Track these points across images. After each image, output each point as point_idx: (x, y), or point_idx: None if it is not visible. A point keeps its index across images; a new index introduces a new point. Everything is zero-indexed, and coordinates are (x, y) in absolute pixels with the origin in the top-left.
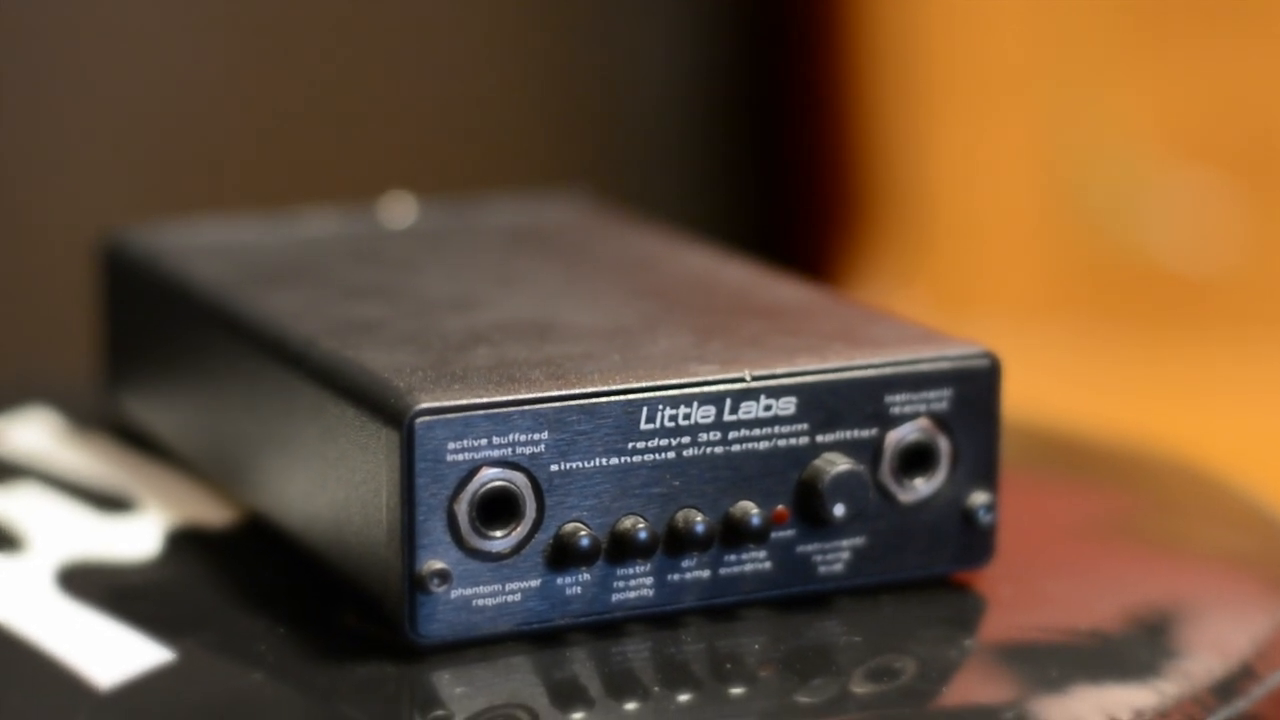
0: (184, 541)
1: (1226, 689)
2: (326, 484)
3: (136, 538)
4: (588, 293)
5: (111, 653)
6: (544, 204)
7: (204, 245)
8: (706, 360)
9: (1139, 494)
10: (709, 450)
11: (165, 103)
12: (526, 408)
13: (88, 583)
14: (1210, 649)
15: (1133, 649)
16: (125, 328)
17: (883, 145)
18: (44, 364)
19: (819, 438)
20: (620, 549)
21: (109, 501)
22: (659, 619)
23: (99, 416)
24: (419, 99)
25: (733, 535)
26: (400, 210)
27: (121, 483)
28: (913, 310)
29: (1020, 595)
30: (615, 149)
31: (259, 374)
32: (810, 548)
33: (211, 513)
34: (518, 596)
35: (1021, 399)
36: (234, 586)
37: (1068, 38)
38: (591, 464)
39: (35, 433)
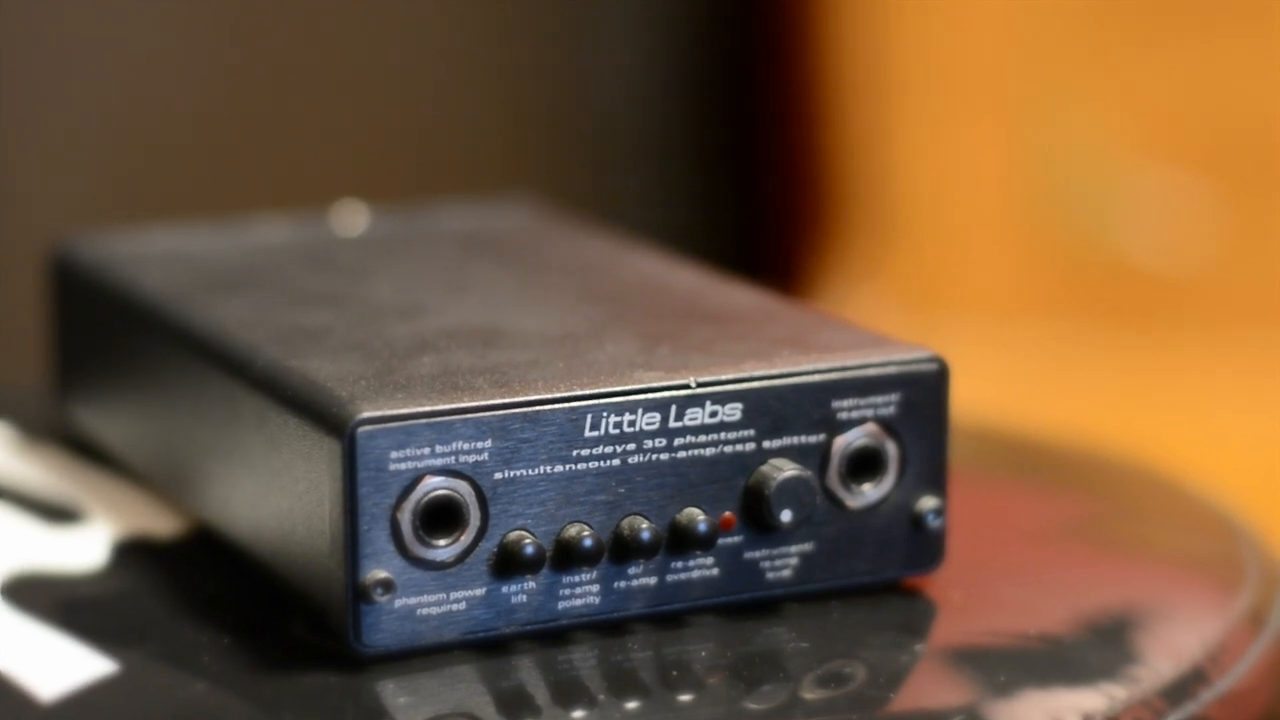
0: (131, 552)
1: (1177, 692)
2: (271, 494)
3: (83, 549)
4: (536, 299)
5: (54, 665)
6: (496, 210)
7: (154, 254)
8: (652, 367)
9: (1094, 497)
10: (654, 457)
11: (115, 111)
12: (469, 416)
13: (33, 594)
14: (1161, 653)
15: (1083, 653)
16: (75, 337)
17: (853, 146)
18: None
19: (765, 444)
20: (565, 557)
21: (56, 512)
22: (606, 626)
23: (48, 426)
24: (372, 106)
25: (679, 542)
26: (352, 218)
27: (69, 493)
28: (883, 312)
29: (971, 600)
30: (581, 153)
31: (205, 383)
32: (758, 554)
33: (159, 523)
34: (462, 605)
35: (990, 400)
36: (180, 597)
37: (1039, 37)
38: (536, 472)
39: None
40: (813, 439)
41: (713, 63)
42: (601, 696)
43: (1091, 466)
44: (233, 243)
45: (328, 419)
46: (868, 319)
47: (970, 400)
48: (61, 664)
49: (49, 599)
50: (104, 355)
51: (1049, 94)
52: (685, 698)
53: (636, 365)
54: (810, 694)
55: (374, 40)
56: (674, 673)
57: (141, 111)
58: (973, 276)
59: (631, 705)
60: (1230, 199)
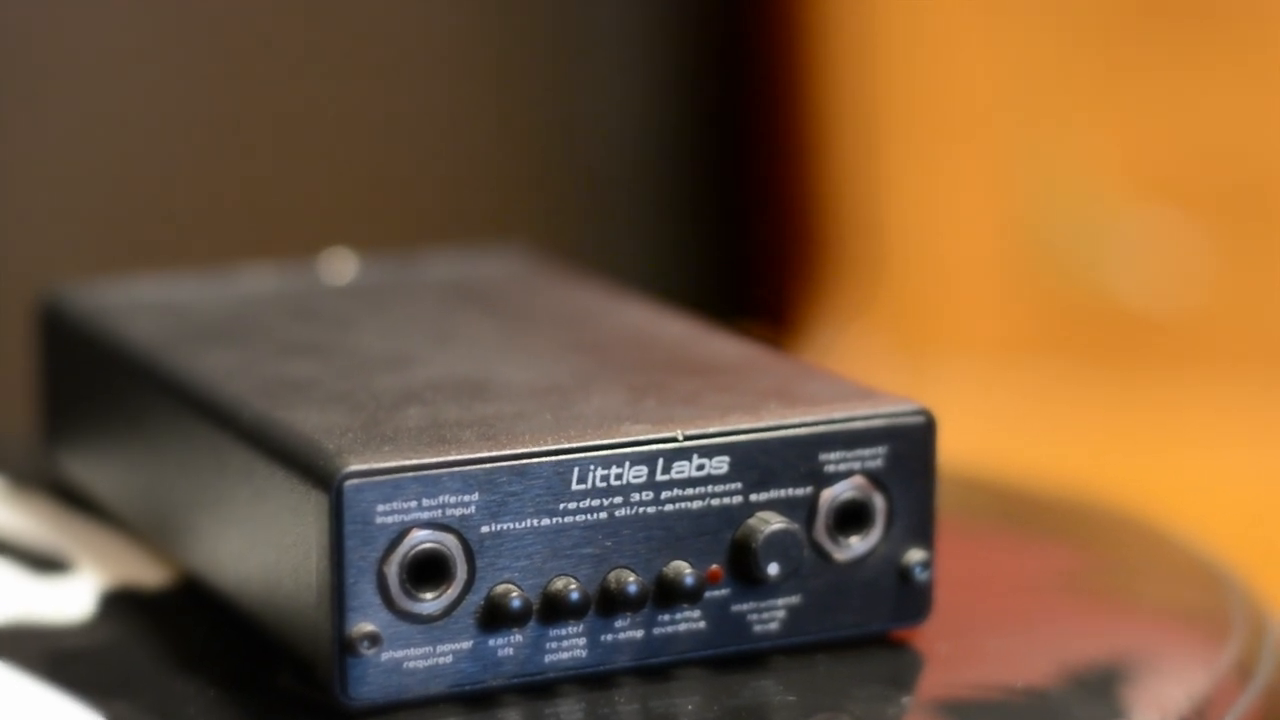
0: (118, 602)
1: None
2: (258, 545)
3: (71, 599)
4: (523, 350)
5: (43, 718)
6: (484, 259)
7: (141, 303)
8: (639, 419)
9: (1081, 548)
10: (641, 510)
11: (104, 160)
12: (456, 469)
13: (20, 645)
14: (1148, 706)
15: (1069, 706)
16: (63, 385)
17: (841, 185)
18: None
19: (753, 496)
20: (552, 610)
21: (44, 562)
22: (592, 680)
23: (36, 474)
24: (362, 155)
25: (666, 595)
26: (339, 266)
27: (57, 542)
28: (872, 352)
29: (958, 652)
30: (568, 198)
31: (192, 434)
32: (745, 607)
33: (147, 573)
34: (449, 658)
35: (979, 440)
36: (167, 648)
37: (1029, 75)
38: (523, 525)
39: None
40: (800, 492)
41: (701, 106)
42: None
43: (1078, 516)
44: (220, 292)
45: (314, 471)
46: (857, 359)
47: (959, 441)
48: (50, 717)
49: (37, 650)
50: (92, 404)
51: (1038, 134)
52: None
53: (623, 418)
54: None
55: (364, 90)
56: None
57: (129, 160)
58: (962, 316)
59: None
60: (1220, 239)
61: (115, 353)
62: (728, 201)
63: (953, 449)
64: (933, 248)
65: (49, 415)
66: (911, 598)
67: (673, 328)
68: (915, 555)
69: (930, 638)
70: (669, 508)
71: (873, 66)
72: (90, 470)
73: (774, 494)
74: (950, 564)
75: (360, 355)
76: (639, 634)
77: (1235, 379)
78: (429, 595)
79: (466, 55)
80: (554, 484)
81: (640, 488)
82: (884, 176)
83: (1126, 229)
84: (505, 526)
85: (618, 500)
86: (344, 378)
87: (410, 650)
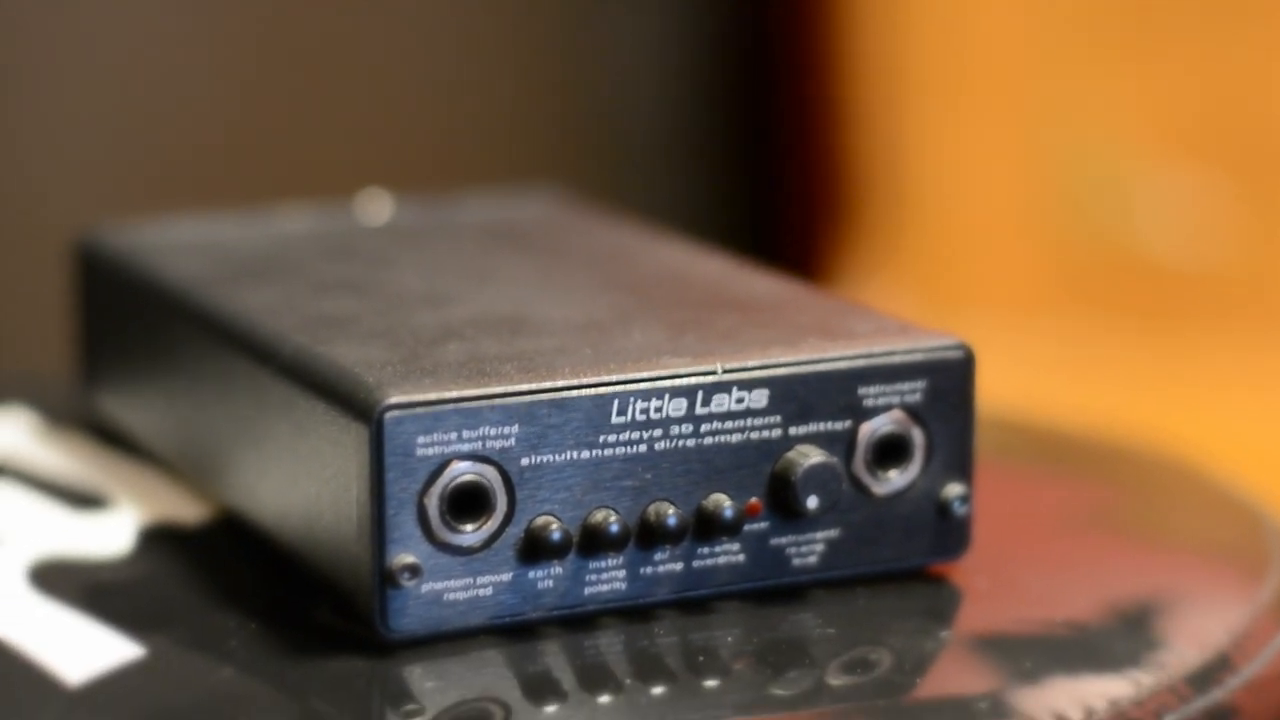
0: (157, 539)
1: (1203, 679)
2: (298, 480)
3: (110, 535)
4: (561, 287)
5: (82, 649)
6: (520, 200)
7: (178, 243)
8: (679, 353)
9: (1118, 486)
10: (681, 443)
11: (140, 102)
12: (497, 401)
13: (60, 580)
14: (1187, 640)
15: (1109, 640)
16: (100, 326)
17: (869, 142)
18: (20, 363)
19: (792, 430)
20: (592, 542)
21: (83, 499)
22: (632, 612)
23: (75, 415)
24: (398, 96)
25: (705, 528)
26: (376, 207)
27: (96, 480)
28: (900, 307)
29: (996, 587)
30: (600, 147)
31: (231, 370)
32: (784, 540)
33: (185, 510)
34: (489, 590)
35: (1008, 395)
36: (206, 583)
37: (1056, 32)
38: (563, 457)
39: (10, 431)
40: (839, 426)
41: (731, 58)
42: (628, 681)
43: (1111, 455)
44: (257, 232)
45: (355, 404)
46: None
47: (989, 394)
48: (89, 648)
49: (76, 584)
50: (129, 343)
51: (1068, 88)
52: (711, 683)
53: (663, 352)
54: (836, 680)
55: (404, 32)
56: (700, 658)
57: (165, 103)
58: (990, 271)
59: (657, 691)
60: (1249, 194)
61: (152, 291)
62: (757, 154)
63: (985, 396)
64: (960, 203)
65: (86, 357)
66: (950, 532)
67: (710, 265)
68: (954, 490)
69: (969, 573)
70: (708, 441)
71: (903, 21)
72: (128, 410)
73: (813, 428)
74: (987, 501)
75: (398, 293)
76: (678, 567)
77: (1264, 333)
78: (469, 527)
79: None
80: (594, 417)
81: (680, 421)
82: (912, 130)
83: (1154, 184)
84: (545, 459)
85: (657, 433)
86: (383, 314)
87: (450, 582)
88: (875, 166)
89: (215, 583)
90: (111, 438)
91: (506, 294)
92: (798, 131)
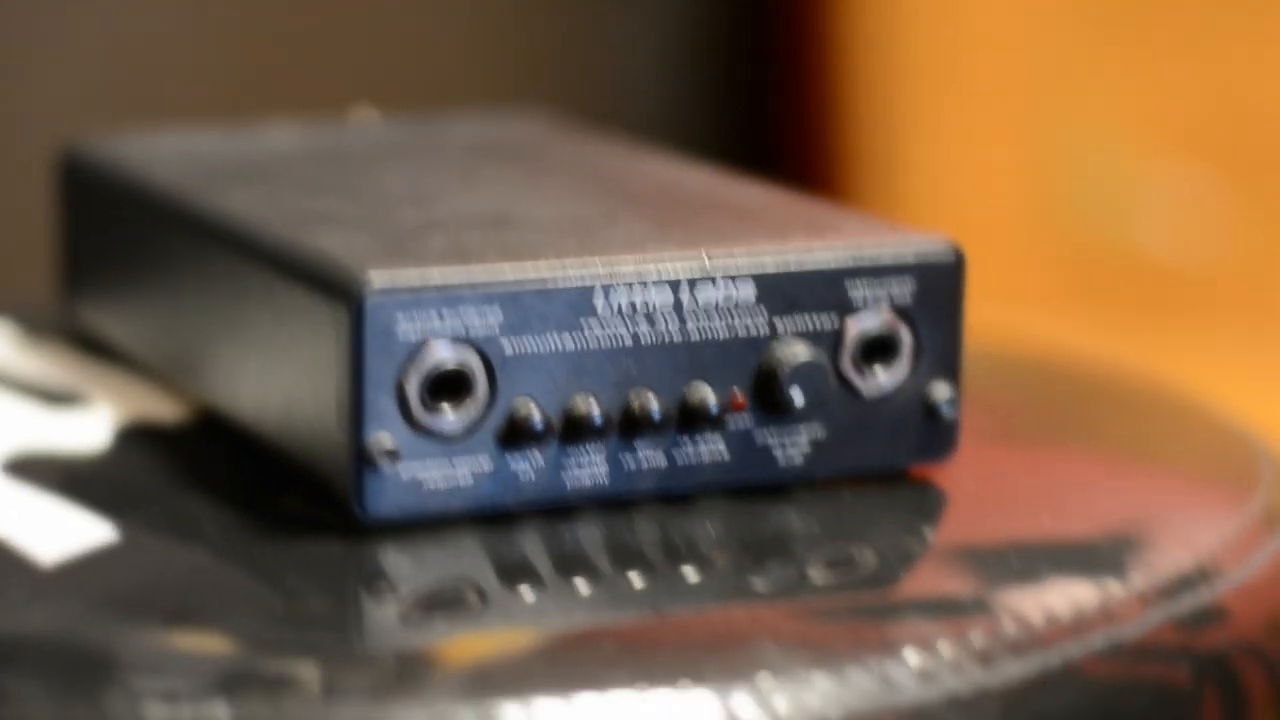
0: (135, 435)
1: (1192, 580)
2: (278, 368)
3: (88, 431)
4: (548, 190)
5: (55, 531)
6: (509, 119)
7: (163, 153)
8: (665, 245)
9: (1109, 407)
10: (666, 336)
11: (125, 14)
12: (479, 286)
13: (35, 471)
14: (1176, 544)
15: (1097, 542)
16: (83, 238)
17: (867, 140)
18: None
19: (778, 326)
20: (573, 430)
21: (62, 399)
22: (614, 505)
23: (56, 326)
24: (390, 14)
25: (689, 419)
26: (364, 123)
27: (75, 383)
28: None
29: (983, 491)
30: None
31: (212, 266)
32: (769, 437)
33: (164, 409)
34: (468, 477)
35: None
36: (182, 474)
37: (1055, 31)
38: (545, 345)
39: None
40: (826, 322)
41: (726, 58)
42: (606, 570)
43: (1109, 380)
44: (244, 143)
45: (336, 287)
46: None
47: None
48: (62, 530)
49: (52, 474)
50: (111, 253)
51: (1066, 87)
52: (691, 573)
53: (649, 242)
54: (819, 574)
55: None
56: (680, 549)
57: (150, 17)
58: (987, 268)
59: (636, 579)
60: (1247, 192)
61: (135, 196)
62: (752, 151)
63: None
64: (958, 200)
65: (68, 270)
66: (938, 433)
67: (700, 174)
68: (942, 391)
69: (955, 477)
70: (694, 333)
71: (902, 20)
72: (111, 319)
73: (799, 323)
74: (974, 416)
75: (383, 193)
76: (661, 460)
77: (1261, 332)
78: (449, 412)
79: None
80: (578, 304)
81: (665, 312)
82: (910, 128)
83: (1152, 182)
84: (527, 346)
85: (642, 323)
86: (367, 211)
87: (429, 467)
88: (873, 164)
89: (192, 474)
90: (93, 347)
91: (492, 194)
92: (794, 130)
